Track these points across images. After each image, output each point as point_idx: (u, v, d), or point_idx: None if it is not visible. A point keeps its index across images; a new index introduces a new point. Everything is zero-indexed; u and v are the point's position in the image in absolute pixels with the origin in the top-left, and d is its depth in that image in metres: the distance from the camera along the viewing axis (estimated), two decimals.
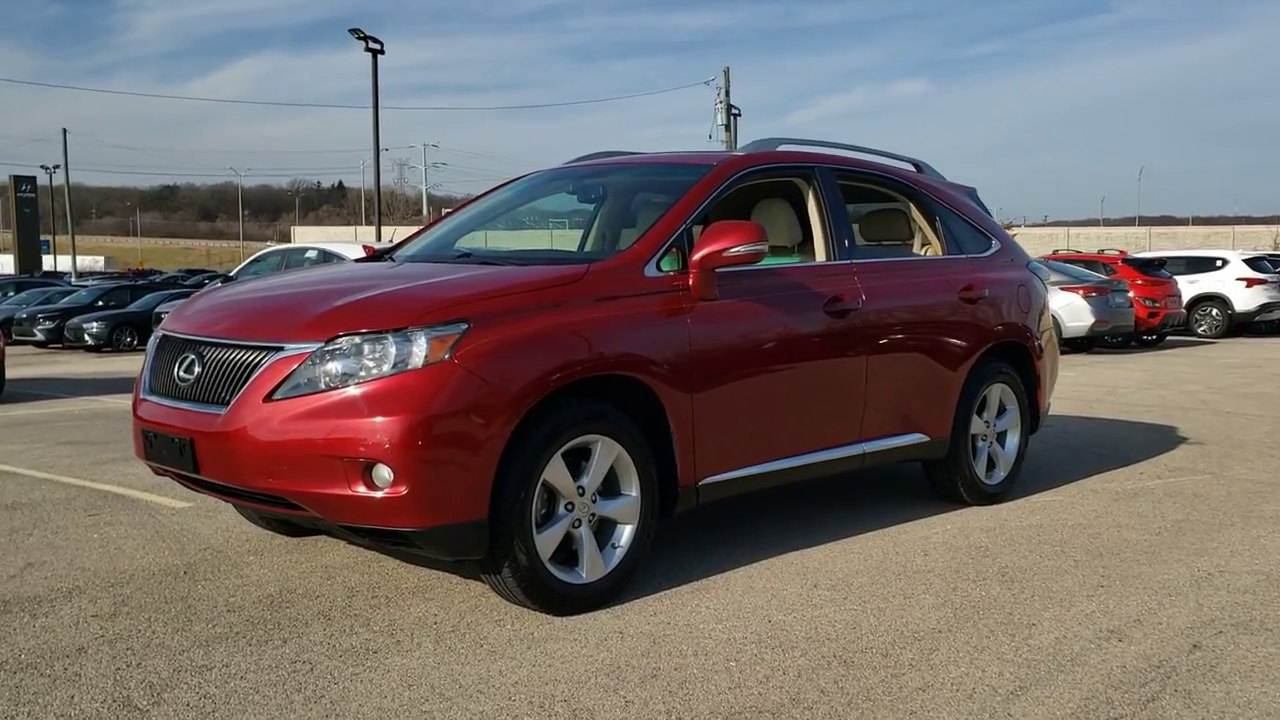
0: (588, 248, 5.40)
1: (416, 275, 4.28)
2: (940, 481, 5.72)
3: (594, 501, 4.03)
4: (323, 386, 3.63)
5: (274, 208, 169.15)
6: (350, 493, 3.57)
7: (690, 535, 5.10)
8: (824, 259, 5.05)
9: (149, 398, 4.17)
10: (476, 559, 3.78)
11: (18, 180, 60.54)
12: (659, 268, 4.31)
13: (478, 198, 5.61)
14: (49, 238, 70.13)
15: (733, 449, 4.47)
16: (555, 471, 3.87)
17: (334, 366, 3.64)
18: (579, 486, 3.97)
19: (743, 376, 4.46)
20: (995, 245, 6.04)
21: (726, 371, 4.39)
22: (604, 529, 4.12)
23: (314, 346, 3.68)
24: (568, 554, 4.02)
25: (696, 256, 4.30)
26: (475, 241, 5.16)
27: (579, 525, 3.98)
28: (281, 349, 3.74)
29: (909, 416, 5.29)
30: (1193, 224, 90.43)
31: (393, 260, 5.01)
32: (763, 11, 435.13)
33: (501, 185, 5.65)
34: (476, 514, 3.65)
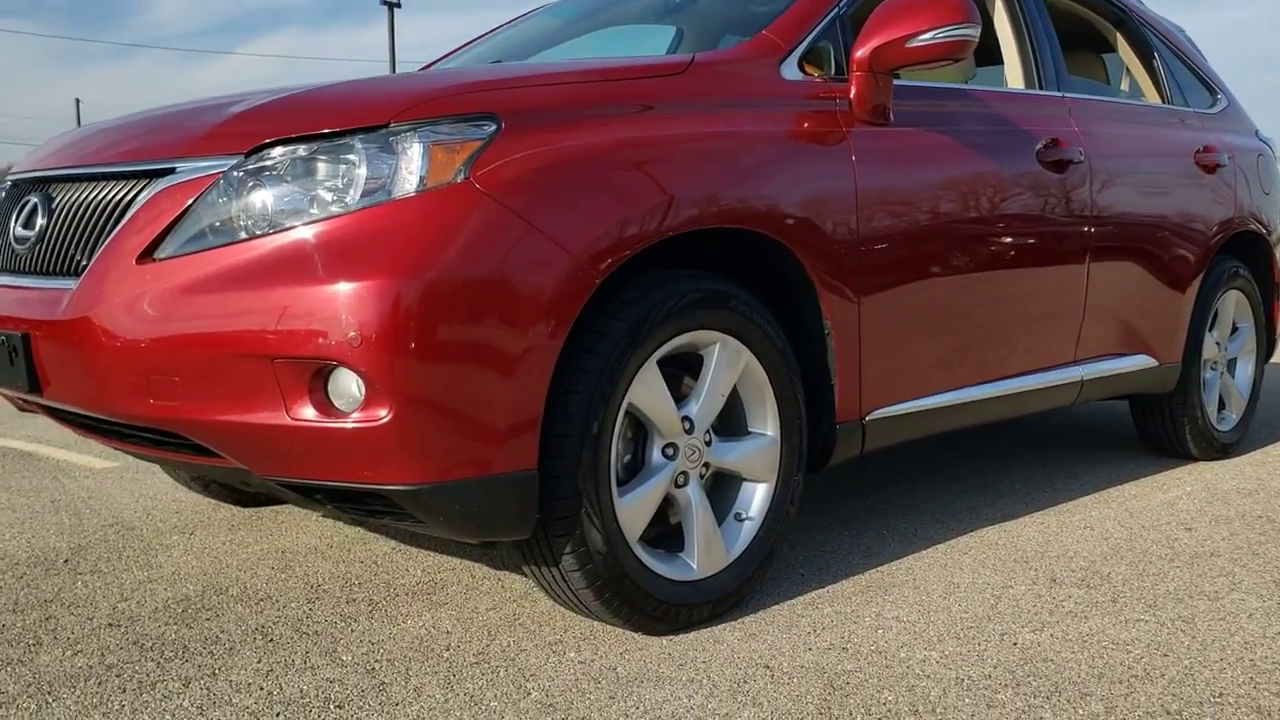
0: None
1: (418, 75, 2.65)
2: (1158, 427, 4.06)
3: (708, 444, 2.41)
4: (241, 235, 2.02)
5: None
6: (290, 420, 1.97)
7: (820, 501, 3.48)
8: (1023, 88, 3.39)
9: None
10: (515, 540, 2.17)
11: None
12: (801, 69, 2.67)
13: (509, 22, 3.96)
14: None
15: (917, 365, 2.84)
16: (647, 390, 2.26)
17: (260, 198, 2.03)
18: (684, 419, 2.35)
19: (932, 247, 2.82)
20: (1223, 100, 4.36)
21: (908, 237, 2.75)
22: (722, 490, 2.51)
23: (225, 163, 2.07)
24: (665, 531, 2.42)
25: (863, 51, 2.66)
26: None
27: (684, 482, 2.37)
28: (172, 171, 2.13)
29: (1135, 330, 3.63)
30: None
31: None
32: None
33: (539, 9, 4.01)
34: (516, 460, 2.04)
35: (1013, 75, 3.40)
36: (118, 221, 2.14)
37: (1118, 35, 4.04)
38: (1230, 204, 3.99)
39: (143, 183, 2.15)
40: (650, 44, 4.08)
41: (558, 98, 2.20)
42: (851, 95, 2.67)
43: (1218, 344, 4.14)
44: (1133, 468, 4.00)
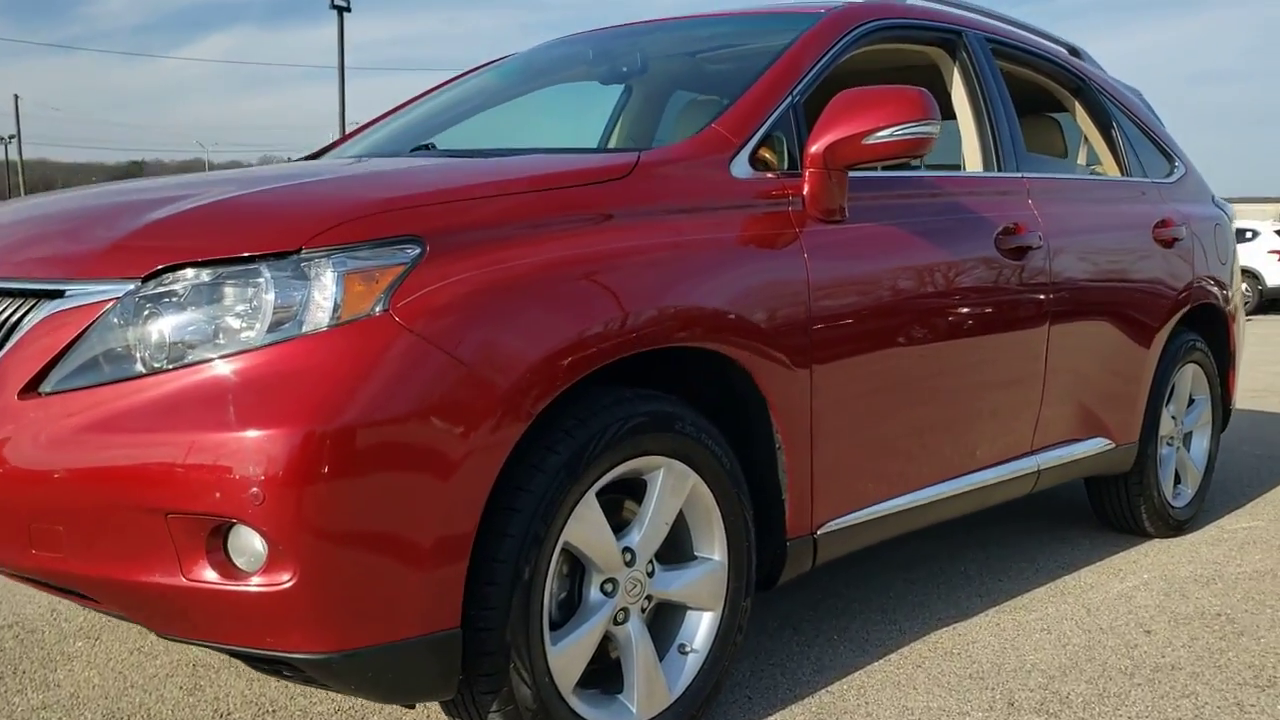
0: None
1: (338, 171, 2.47)
2: (1113, 505, 3.97)
3: (649, 574, 2.25)
4: (137, 369, 1.83)
5: None
6: (186, 582, 1.78)
7: (767, 596, 3.33)
8: (980, 170, 3.27)
9: None
10: (440, 700, 1.99)
11: None
12: (752, 165, 2.52)
13: (447, 82, 3.78)
14: None
15: (870, 471, 2.70)
16: (585, 526, 2.09)
17: (158, 328, 1.84)
18: (625, 550, 2.19)
19: (887, 348, 2.68)
20: (1180, 169, 4.28)
21: (863, 340, 2.61)
22: (664, 619, 2.35)
23: (122, 289, 1.87)
24: (604, 668, 2.25)
25: (818, 146, 2.52)
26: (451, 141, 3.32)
27: (624, 619, 2.20)
28: (61, 294, 1.93)
29: (1091, 413, 3.53)
30: None
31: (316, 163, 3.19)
32: None
33: (482, 66, 3.83)
34: (438, 621, 1.86)
35: (970, 154, 3.28)
36: (0, 346, 1.94)
37: (1076, 104, 3.95)
38: (1188, 277, 3.91)
39: (30, 303, 1.95)
40: (596, 101, 3.93)
41: (488, 213, 2.03)
42: (805, 193, 2.53)
43: (1174, 418, 4.06)
44: (1088, 548, 3.89)
